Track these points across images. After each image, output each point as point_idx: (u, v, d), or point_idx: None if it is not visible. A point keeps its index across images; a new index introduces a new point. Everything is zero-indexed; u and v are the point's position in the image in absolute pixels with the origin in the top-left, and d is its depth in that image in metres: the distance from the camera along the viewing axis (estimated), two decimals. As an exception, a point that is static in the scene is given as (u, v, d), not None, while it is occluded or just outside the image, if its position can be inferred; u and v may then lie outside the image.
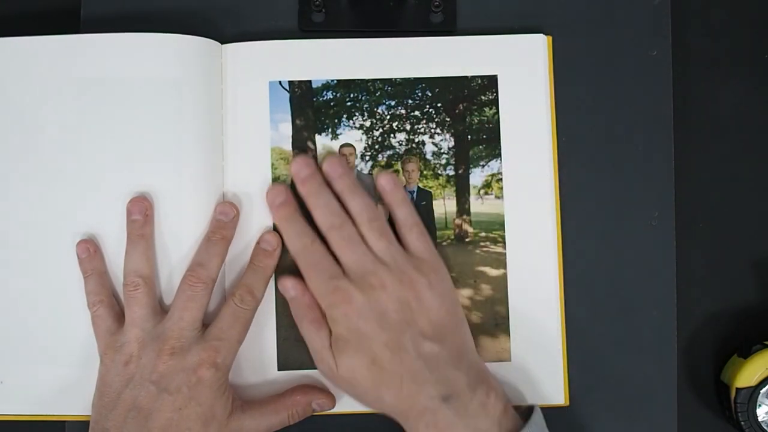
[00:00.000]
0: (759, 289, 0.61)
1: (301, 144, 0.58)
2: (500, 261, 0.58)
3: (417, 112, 0.59)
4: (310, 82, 0.58)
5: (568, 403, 0.58)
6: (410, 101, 0.58)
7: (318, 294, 0.53)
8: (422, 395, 0.50)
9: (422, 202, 0.58)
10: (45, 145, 0.56)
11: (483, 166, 0.58)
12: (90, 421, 0.53)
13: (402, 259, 0.54)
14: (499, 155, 0.58)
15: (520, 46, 0.58)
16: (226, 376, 0.53)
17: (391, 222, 0.56)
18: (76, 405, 0.56)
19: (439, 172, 0.58)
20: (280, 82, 0.58)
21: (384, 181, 0.56)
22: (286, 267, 0.57)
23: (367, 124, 0.59)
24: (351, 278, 0.53)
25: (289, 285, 0.55)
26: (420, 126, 0.59)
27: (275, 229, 0.57)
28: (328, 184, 0.56)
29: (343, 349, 0.52)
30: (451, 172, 0.59)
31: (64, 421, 0.57)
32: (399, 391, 0.50)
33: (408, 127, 0.59)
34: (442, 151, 0.59)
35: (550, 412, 0.58)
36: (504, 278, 0.58)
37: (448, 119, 0.59)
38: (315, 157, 0.58)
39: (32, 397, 0.56)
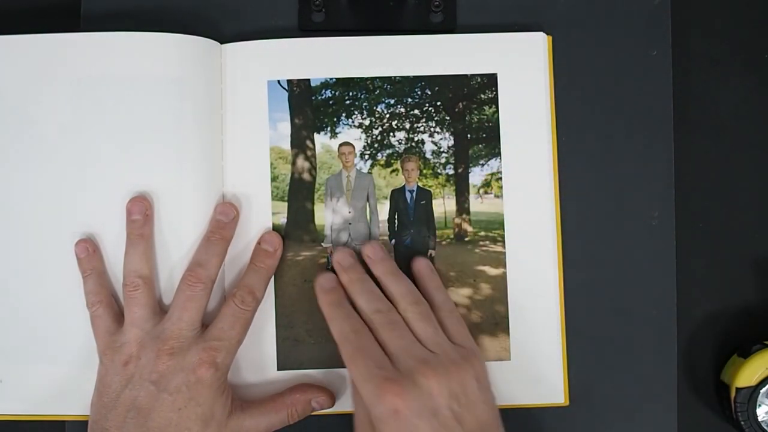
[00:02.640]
0: (759, 289, 0.61)
1: (300, 143, 0.58)
2: (500, 260, 0.58)
3: (416, 111, 0.59)
4: (308, 80, 0.58)
5: (567, 403, 0.57)
6: (410, 100, 0.58)
7: (364, 382, 0.49)
8: None
9: (422, 201, 0.58)
10: (44, 144, 0.56)
11: (482, 165, 0.58)
12: (89, 421, 0.53)
13: (449, 348, 0.51)
14: (498, 154, 0.58)
15: (520, 44, 0.58)
16: (225, 376, 0.53)
17: None
18: (76, 405, 0.56)
19: (439, 171, 0.58)
20: (278, 81, 0.58)
21: (421, 266, 0.56)
22: (287, 267, 0.57)
23: (367, 122, 0.58)
24: (400, 369, 0.49)
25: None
26: (419, 125, 0.59)
27: (275, 229, 0.57)
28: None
29: None
30: (451, 171, 0.58)
31: (64, 421, 0.57)
32: None
33: (407, 125, 0.59)
34: (441, 149, 0.59)
35: (549, 411, 0.58)
36: (503, 277, 0.58)
37: (447, 118, 0.59)
38: (314, 156, 0.58)
39: (32, 396, 0.56)
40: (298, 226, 0.58)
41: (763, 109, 0.62)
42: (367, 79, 0.58)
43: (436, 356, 0.50)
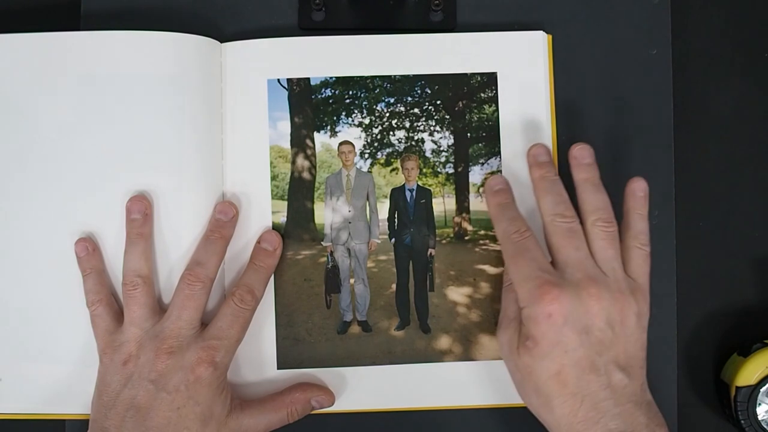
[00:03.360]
0: (759, 289, 0.61)
1: (300, 142, 0.58)
2: (500, 259, 0.58)
3: (416, 110, 0.59)
4: (308, 79, 0.58)
5: (567, 402, 0.57)
6: (409, 98, 0.58)
7: (523, 281, 0.49)
8: (599, 425, 0.47)
9: (421, 200, 0.58)
10: (44, 142, 0.56)
11: (482, 163, 0.58)
12: (89, 420, 0.53)
13: (622, 277, 0.50)
14: (498, 153, 0.58)
15: (520, 43, 0.58)
16: (224, 375, 0.53)
17: None
18: (76, 404, 0.56)
19: (439, 169, 0.58)
20: (278, 80, 0.58)
21: (638, 186, 0.53)
22: (287, 266, 0.57)
23: (366, 121, 0.58)
24: (566, 277, 0.49)
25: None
26: (419, 123, 0.59)
27: (275, 228, 0.57)
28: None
29: (531, 349, 0.48)
30: (451, 170, 0.58)
31: (64, 420, 0.57)
32: (575, 412, 0.47)
33: (407, 124, 0.59)
34: (441, 148, 0.59)
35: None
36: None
37: (447, 117, 0.59)
38: (314, 155, 0.58)
39: (32, 395, 0.56)
40: (297, 225, 0.58)
41: (763, 109, 0.62)
42: (366, 78, 0.58)
43: (606, 278, 0.50)
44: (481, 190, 0.58)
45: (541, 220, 0.53)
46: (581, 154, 0.54)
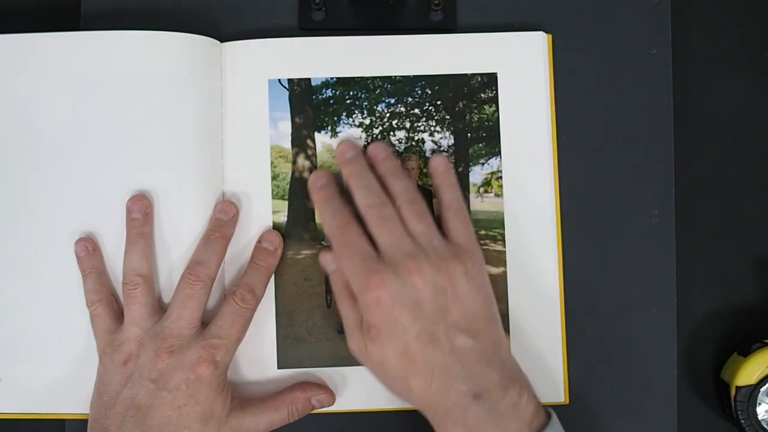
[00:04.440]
0: (759, 288, 0.61)
1: (301, 142, 0.58)
2: (500, 259, 0.58)
3: (417, 110, 0.59)
4: (309, 80, 0.58)
5: (567, 402, 0.57)
6: (410, 99, 0.58)
7: (350, 275, 0.51)
8: (452, 391, 0.48)
9: (422, 200, 0.58)
10: (44, 142, 0.56)
11: (483, 164, 0.58)
12: (89, 420, 0.53)
13: (440, 245, 0.51)
14: (498, 153, 0.58)
15: (520, 43, 0.58)
16: (224, 374, 0.53)
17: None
18: (76, 403, 0.56)
19: (439, 170, 0.58)
20: (279, 80, 0.58)
21: (437, 162, 0.56)
22: (287, 266, 0.57)
23: (367, 122, 0.59)
24: (386, 261, 0.50)
25: (329, 259, 0.54)
26: (420, 124, 0.59)
27: (275, 227, 0.57)
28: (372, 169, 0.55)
29: (375, 337, 0.49)
30: (451, 170, 0.59)
31: (64, 420, 0.57)
32: (429, 384, 0.48)
33: (408, 124, 0.59)
34: (441, 148, 0.59)
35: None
36: (504, 276, 0.58)
37: (447, 117, 0.59)
38: (315, 155, 0.58)
39: (32, 395, 0.56)
40: (298, 225, 0.58)
41: (763, 109, 0.62)
42: (367, 78, 0.58)
43: (423, 251, 0.50)
44: (481, 190, 0.58)
45: (359, 212, 0.54)
46: (378, 151, 0.56)
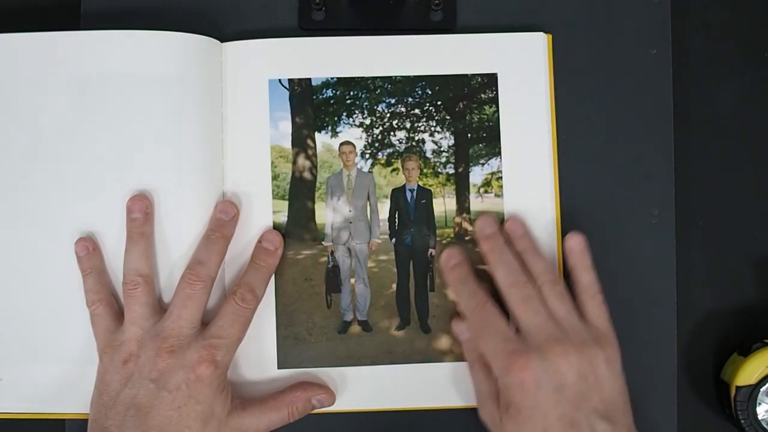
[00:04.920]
0: (759, 288, 0.61)
1: (301, 142, 0.58)
2: (500, 259, 0.58)
3: (417, 110, 0.59)
4: (309, 80, 0.58)
5: (568, 402, 0.57)
6: (410, 99, 0.59)
7: (492, 354, 0.51)
8: None
9: (422, 201, 0.58)
10: (44, 142, 0.56)
11: (483, 164, 0.58)
12: (89, 420, 0.53)
13: (582, 329, 0.52)
14: (499, 153, 0.58)
15: (520, 44, 0.59)
16: (225, 374, 0.53)
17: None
18: (76, 403, 0.56)
19: (439, 170, 0.58)
20: (279, 80, 0.58)
21: (574, 242, 0.56)
22: (287, 266, 0.57)
23: (367, 122, 0.59)
24: (530, 343, 0.51)
25: (463, 328, 0.55)
26: (420, 124, 0.59)
27: (276, 227, 0.57)
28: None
29: (514, 416, 0.49)
30: (451, 171, 0.59)
31: (64, 420, 0.57)
32: None
33: (408, 125, 0.59)
34: (442, 149, 0.59)
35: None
36: (504, 276, 0.58)
37: (448, 117, 0.59)
38: (315, 155, 0.58)
39: (32, 395, 0.56)
40: (298, 225, 0.58)
41: (763, 109, 0.62)
42: (367, 78, 0.58)
43: (567, 335, 0.51)
44: (481, 190, 0.58)
45: (499, 291, 0.54)
46: (514, 228, 0.57)
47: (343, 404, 0.57)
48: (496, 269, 0.55)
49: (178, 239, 0.56)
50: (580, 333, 0.52)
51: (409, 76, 0.58)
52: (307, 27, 0.60)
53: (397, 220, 0.58)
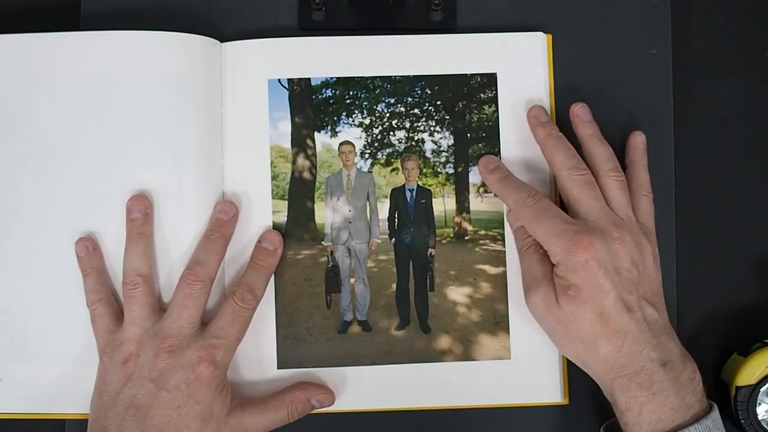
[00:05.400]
0: (759, 288, 0.61)
1: (301, 142, 0.58)
2: (500, 259, 0.58)
3: (416, 110, 0.59)
4: (309, 79, 0.58)
5: (567, 402, 0.57)
6: (410, 99, 0.59)
7: (552, 235, 0.52)
8: (642, 356, 0.50)
9: (421, 200, 0.58)
10: (44, 142, 0.56)
11: (482, 164, 0.58)
12: (89, 419, 0.53)
13: (635, 221, 0.54)
14: (498, 153, 0.58)
15: (520, 44, 0.59)
16: (224, 374, 0.53)
17: None
18: (76, 403, 0.56)
19: (439, 170, 0.59)
20: (279, 80, 0.58)
21: (638, 140, 0.58)
22: (287, 266, 0.57)
23: (367, 121, 0.59)
24: (590, 225, 0.52)
25: (514, 217, 0.57)
26: (419, 124, 0.59)
27: (275, 227, 0.57)
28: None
29: (575, 296, 0.51)
30: (451, 170, 0.59)
31: (64, 419, 0.57)
32: (619, 347, 0.51)
33: (407, 124, 0.59)
34: (441, 149, 0.59)
35: (549, 410, 0.58)
36: (504, 276, 0.58)
37: (447, 117, 0.59)
38: (315, 155, 0.58)
39: (32, 395, 0.56)
40: (298, 225, 0.58)
41: (763, 109, 0.62)
42: (367, 78, 0.58)
43: (624, 223, 0.53)
44: (481, 190, 0.58)
45: (556, 175, 0.56)
46: (583, 113, 0.57)
47: (342, 404, 0.57)
48: (554, 154, 0.55)
49: (177, 239, 0.56)
50: (634, 225, 0.54)
51: (409, 76, 0.58)
52: (307, 27, 0.60)
53: (396, 219, 0.58)
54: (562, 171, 0.55)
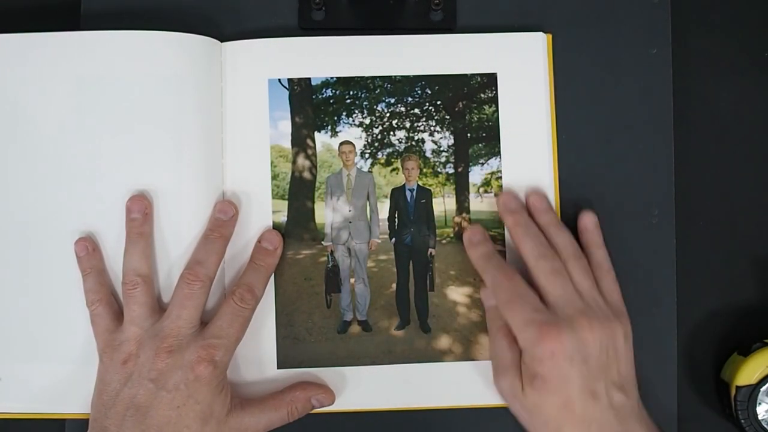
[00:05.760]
0: (759, 288, 0.61)
1: (301, 142, 0.58)
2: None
3: (417, 110, 0.59)
4: (309, 79, 0.58)
5: (567, 402, 0.57)
6: (410, 99, 0.59)
7: (520, 323, 0.52)
8: None
9: (422, 200, 0.58)
10: (44, 142, 0.56)
11: (482, 164, 0.58)
12: (89, 419, 0.53)
13: (602, 304, 0.53)
14: (498, 153, 0.58)
15: (520, 44, 0.59)
16: (224, 373, 0.53)
17: None
18: (76, 403, 0.56)
19: (439, 170, 0.58)
20: (279, 80, 0.58)
21: (588, 220, 0.57)
22: (287, 266, 0.57)
23: (367, 121, 0.59)
24: (559, 315, 0.52)
25: (490, 294, 0.56)
26: (420, 124, 0.59)
27: (275, 227, 0.57)
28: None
29: (540, 387, 0.50)
30: (451, 170, 0.59)
31: (64, 419, 0.57)
32: None
33: (408, 124, 0.59)
34: (441, 149, 0.59)
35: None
36: (504, 276, 0.58)
37: (447, 117, 0.59)
38: (315, 155, 0.58)
39: (32, 395, 0.56)
40: (298, 225, 0.58)
41: (763, 109, 0.62)
42: (367, 78, 0.59)
43: (592, 309, 0.52)
44: (481, 190, 0.58)
45: (525, 263, 0.55)
46: (538, 202, 0.57)
47: (342, 404, 0.57)
48: (522, 243, 0.55)
49: (177, 239, 0.56)
50: (602, 308, 0.53)
51: (409, 76, 0.58)
52: (307, 27, 0.60)
53: (396, 219, 0.58)
54: (530, 260, 0.54)
